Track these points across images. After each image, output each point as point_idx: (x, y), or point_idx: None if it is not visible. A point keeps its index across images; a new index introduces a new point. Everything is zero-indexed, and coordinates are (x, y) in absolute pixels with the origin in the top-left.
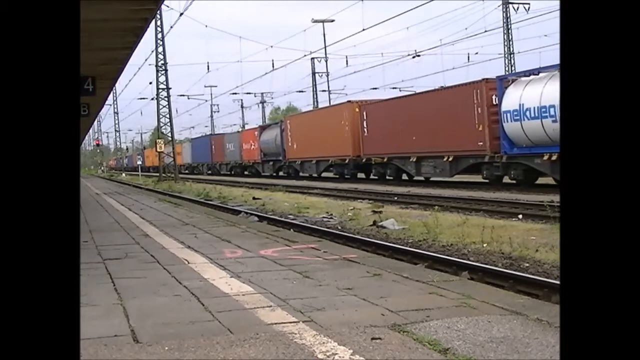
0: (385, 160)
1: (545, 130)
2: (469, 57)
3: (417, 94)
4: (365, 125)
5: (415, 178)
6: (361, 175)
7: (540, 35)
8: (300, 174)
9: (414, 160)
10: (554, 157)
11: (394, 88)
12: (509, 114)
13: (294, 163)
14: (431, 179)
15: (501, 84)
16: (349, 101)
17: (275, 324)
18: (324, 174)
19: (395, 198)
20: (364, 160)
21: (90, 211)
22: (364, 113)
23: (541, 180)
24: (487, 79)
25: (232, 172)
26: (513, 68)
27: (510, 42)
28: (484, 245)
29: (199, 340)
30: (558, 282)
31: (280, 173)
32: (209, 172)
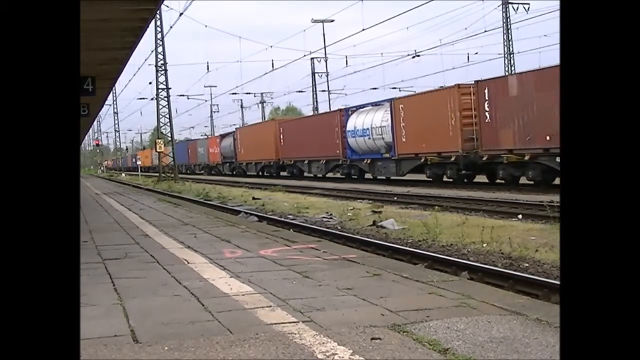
0: (292, 162)
1: (367, 143)
2: (468, 57)
3: (306, 117)
4: (281, 137)
5: (318, 175)
6: (283, 173)
7: (540, 35)
8: (247, 173)
9: (307, 162)
10: (369, 162)
11: (393, 88)
12: (350, 132)
13: (242, 164)
14: (318, 175)
15: (347, 112)
16: (272, 119)
17: (275, 324)
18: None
19: (395, 198)
20: (281, 162)
21: (90, 211)
22: (281, 128)
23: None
24: (340, 109)
25: (203, 172)
26: (513, 68)
27: (510, 42)
28: (484, 245)
29: (198, 340)
30: (558, 282)
31: (234, 172)
32: (188, 171)
